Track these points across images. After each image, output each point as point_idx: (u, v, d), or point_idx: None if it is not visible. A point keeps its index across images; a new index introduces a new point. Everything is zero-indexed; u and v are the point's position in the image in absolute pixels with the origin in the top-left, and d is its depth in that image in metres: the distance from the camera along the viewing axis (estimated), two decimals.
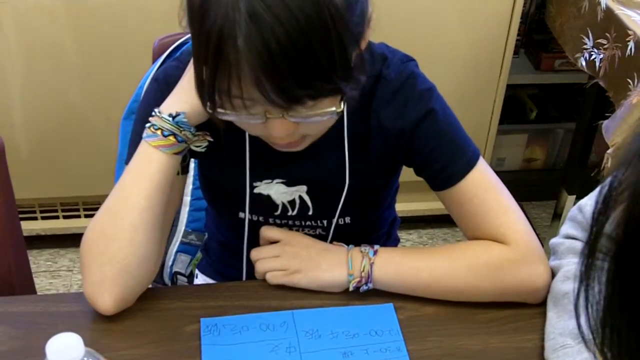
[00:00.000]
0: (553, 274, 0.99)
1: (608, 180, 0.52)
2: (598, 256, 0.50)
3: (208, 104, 0.82)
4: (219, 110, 0.82)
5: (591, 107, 1.87)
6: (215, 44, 0.75)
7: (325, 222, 1.07)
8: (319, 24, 0.74)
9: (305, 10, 0.73)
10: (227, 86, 0.78)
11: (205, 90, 0.81)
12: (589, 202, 0.98)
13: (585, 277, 0.55)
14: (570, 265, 0.97)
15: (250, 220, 1.06)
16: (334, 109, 0.83)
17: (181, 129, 0.92)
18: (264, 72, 0.75)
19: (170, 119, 0.91)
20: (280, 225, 1.07)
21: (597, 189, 0.98)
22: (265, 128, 0.85)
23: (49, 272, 2.11)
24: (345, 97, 0.83)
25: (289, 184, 1.03)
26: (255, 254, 1.03)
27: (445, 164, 0.98)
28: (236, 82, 0.77)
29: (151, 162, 0.92)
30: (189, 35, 1.16)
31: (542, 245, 0.99)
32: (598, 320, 0.53)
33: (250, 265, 1.08)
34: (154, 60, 1.21)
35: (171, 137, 0.92)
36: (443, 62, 1.92)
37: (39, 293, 1.91)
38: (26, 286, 1.26)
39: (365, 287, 0.98)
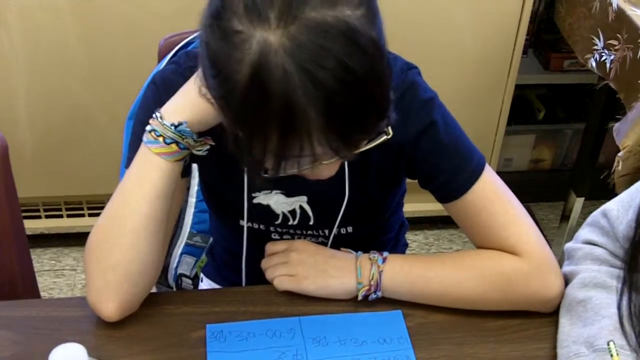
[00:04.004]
0: (567, 280, 0.97)
1: None
2: None
3: (270, 170, 0.77)
4: (281, 170, 0.77)
5: (601, 108, 1.85)
6: (283, 119, 0.70)
7: (327, 231, 1.05)
8: (369, 68, 0.71)
9: (355, 59, 0.69)
10: (299, 151, 0.73)
11: (272, 161, 0.75)
12: (614, 207, 0.94)
13: (629, 286, 0.53)
14: (588, 272, 0.94)
15: (250, 228, 1.05)
16: (384, 137, 0.82)
17: (183, 137, 0.89)
18: (332, 129, 0.72)
19: (173, 127, 0.88)
20: (281, 234, 1.06)
21: (624, 195, 0.95)
22: (311, 170, 0.81)
23: (53, 271, 2.10)
24: (389, 121, 0.79)
25: (288, 194, 1.01)
26: (264, 262, 1.02)
27: (449, 177, 0.96)
28: (308, 145, 0.73)
29: (153, 168, 0.90)
30: (195, 35, 1.16)
31: (550, 247, 0.98)
32: None
33: (250, 271, 1.07)
34: (160, 59, 1.19)
35: (173, 145, 0.89)
36: (451, 62, 1.91)
37: (42, 292, 1.90)
38: (29, 287, 1.25)
39: (374, 296, 0.97)
